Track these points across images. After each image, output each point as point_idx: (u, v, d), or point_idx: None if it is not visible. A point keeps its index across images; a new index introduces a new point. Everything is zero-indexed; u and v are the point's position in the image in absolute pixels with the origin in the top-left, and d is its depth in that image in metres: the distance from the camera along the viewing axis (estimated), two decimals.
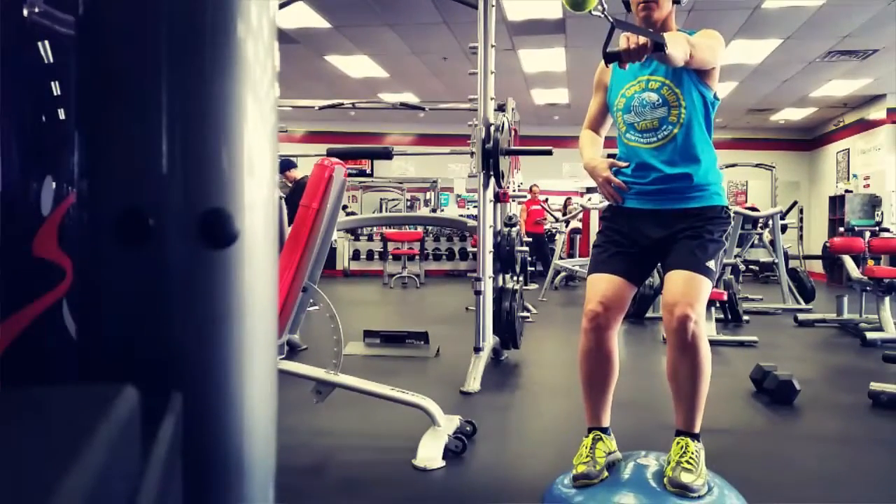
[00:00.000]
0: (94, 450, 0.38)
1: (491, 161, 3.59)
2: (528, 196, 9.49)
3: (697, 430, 1.87)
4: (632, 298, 2.02)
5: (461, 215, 11.15)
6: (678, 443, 1.85)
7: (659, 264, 2.07)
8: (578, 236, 10.68)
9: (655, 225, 1.93)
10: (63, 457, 0.35)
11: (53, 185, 0.67)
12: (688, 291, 1.78)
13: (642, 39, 1.58)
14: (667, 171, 1.91)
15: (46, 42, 0.78)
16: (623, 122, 1.97)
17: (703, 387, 1.82)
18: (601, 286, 1.91)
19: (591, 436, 1.94)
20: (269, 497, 0.67)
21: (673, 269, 1.85)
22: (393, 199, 12.25)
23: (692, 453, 1.81)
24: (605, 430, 1.97)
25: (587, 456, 1.88)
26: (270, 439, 0.67)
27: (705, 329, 1.81)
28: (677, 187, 1.92)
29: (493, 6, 3.56)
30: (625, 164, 1.97)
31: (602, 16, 1.60)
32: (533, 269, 9.24)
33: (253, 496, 0.64)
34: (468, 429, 2.54)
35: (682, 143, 1.90)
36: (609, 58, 1.65)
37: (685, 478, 1.76)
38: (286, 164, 6.06)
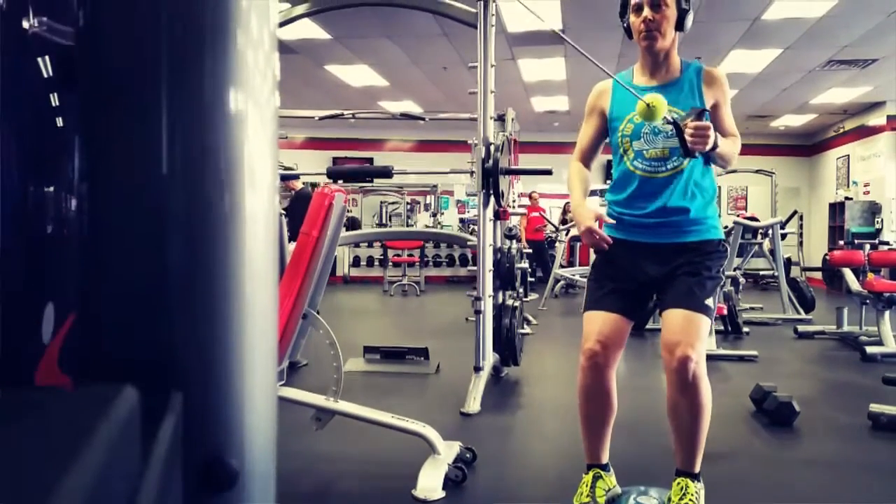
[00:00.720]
0: (94, 450, 0.38)
1: (491, 180, 3.59)
2: (528, 202, 9.51)
3: (697, 469, 1.86)
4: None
5: (461, 219, 11.13)
6: (678, 483, 1.85)
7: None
8: (578, 244, 10.68)
9: (654, 262, 1.92)
10: (63, 457, 0.35)
11: (53, 311, 0.67)
12: (689, 331, 1.78)
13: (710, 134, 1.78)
14: (668, 204, 1.90)
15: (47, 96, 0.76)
16: (631, 148, 1.93)
17: (703, 426, 1.82)
18: (598, 323, 1.90)
19: (590, 473, 1.94)
20: (269, 497, 0.67)
21: (672, 307, 1.84)
22: (393, 203, 12.18)
23: (692, 495, 1.81)
24: (604, 467, 1.97)
25: (587, 495, 1.88)
26: (271, 439, 0.67)
27: (705, 369, 1.80)
28: (676, 221, 1.91)
29: (492, 26, 3.56)
30: (611, 222, 1.96)
31: (670, 122, 1.80)
32: (533, 279, 9.24)
33: (253, 496, 0.64)
34: (468, 456, 2.54)
35: (689, 175, 1.90)
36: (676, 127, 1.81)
37: None
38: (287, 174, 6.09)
